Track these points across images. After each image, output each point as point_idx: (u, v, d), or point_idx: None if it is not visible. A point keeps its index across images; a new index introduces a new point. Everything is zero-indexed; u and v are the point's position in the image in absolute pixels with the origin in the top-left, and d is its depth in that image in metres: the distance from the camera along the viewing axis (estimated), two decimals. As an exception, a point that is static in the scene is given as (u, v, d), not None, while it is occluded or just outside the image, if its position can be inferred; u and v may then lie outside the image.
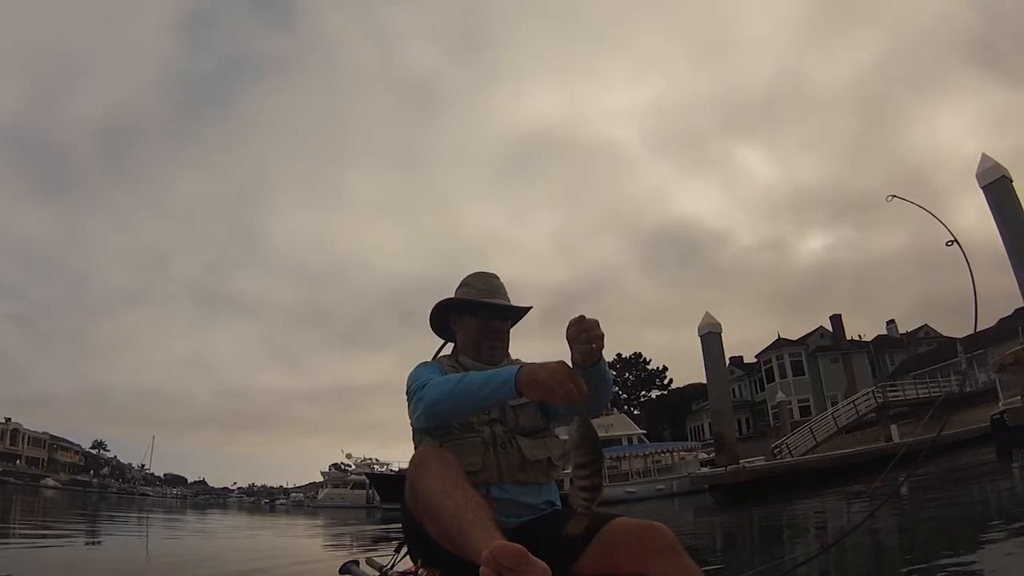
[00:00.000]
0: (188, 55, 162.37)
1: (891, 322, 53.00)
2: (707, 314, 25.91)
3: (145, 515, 20.78)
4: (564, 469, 1.64)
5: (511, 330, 2.09)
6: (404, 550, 1.94)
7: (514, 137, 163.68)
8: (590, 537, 1.58)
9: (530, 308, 2.08)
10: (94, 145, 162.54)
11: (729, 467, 21.00)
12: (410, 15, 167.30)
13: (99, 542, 10.18)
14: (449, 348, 2.13)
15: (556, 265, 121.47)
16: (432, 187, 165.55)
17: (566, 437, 1.64)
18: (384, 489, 34.28)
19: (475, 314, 2.00)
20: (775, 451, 28.65)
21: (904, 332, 51.73)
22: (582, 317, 1.61)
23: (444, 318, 2.10)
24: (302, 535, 14.59)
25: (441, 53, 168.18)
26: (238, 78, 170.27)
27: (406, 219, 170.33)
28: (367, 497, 38.87)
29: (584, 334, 1.60)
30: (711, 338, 25.40)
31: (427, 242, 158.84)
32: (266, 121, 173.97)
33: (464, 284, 2.07)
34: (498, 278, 2.10)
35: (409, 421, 1.87)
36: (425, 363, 1.98)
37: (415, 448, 1.85)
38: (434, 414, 1.73)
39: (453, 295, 2.07)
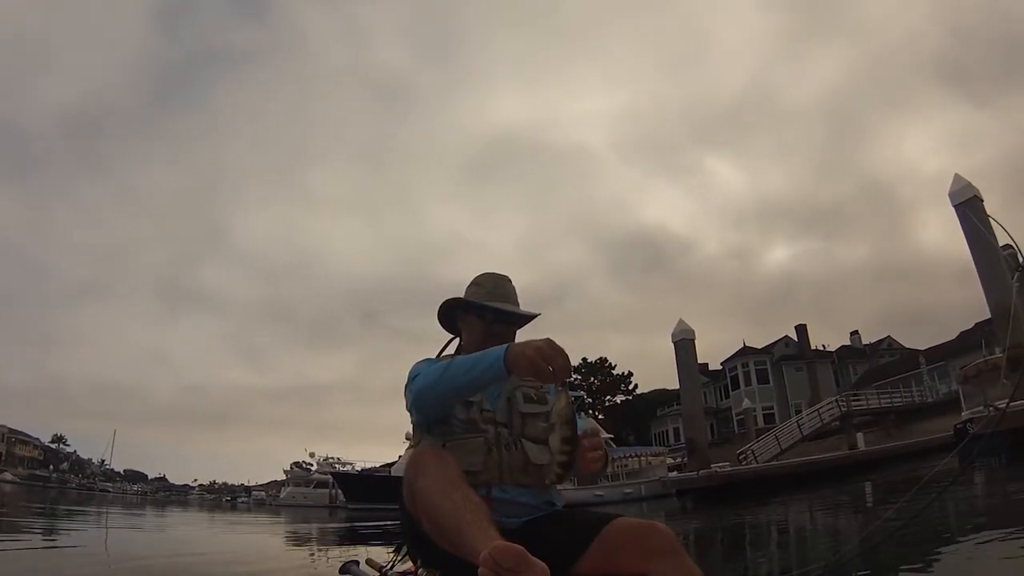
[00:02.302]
0: (158, 45, 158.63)
1: (855, 333, 54.14)
2: (681, 320, 26.12)
3: (105, 510, 20.27)
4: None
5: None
6: (404, 550, 1.91)
7: (483, 139, 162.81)
8: (590, 537, 1.59)
9: (538, 315, 2.04)
10: (58, 132, 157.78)
11: (701, 471, 21.32)
12: (384, 13, 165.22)
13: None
14: (454, 346, 2.11)
15: (521, 268, 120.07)
16: (398, 187, 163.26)
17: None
18: (350, 489, 33.89)
19: (481, 316, 1.98)
20: (740, 457, 29.02)
21: (867, 343, 52.87)
22: (590, 437, 1.70)
23: (453, 315, 2.07)
24: (280, 532, 14.54)
25: (413, 53, 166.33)
26: (207, 70, 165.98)
27: (371, 218, 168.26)
28: (330, 496, 38.54)
29: (595, 453, 1.71)
30: (684, 344, 25.64)
31: (391, 242, 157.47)
32: (234, 114, 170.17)
33: (475, 283, 2.05)
34: (510, 281, 2.07)
35: (410, 418, 1.85)
36: (427, 359, 1.94)
37: (415, 447, 1.83)
38: (422, 401, 1.73)
39: (463, 293, 2.05)
